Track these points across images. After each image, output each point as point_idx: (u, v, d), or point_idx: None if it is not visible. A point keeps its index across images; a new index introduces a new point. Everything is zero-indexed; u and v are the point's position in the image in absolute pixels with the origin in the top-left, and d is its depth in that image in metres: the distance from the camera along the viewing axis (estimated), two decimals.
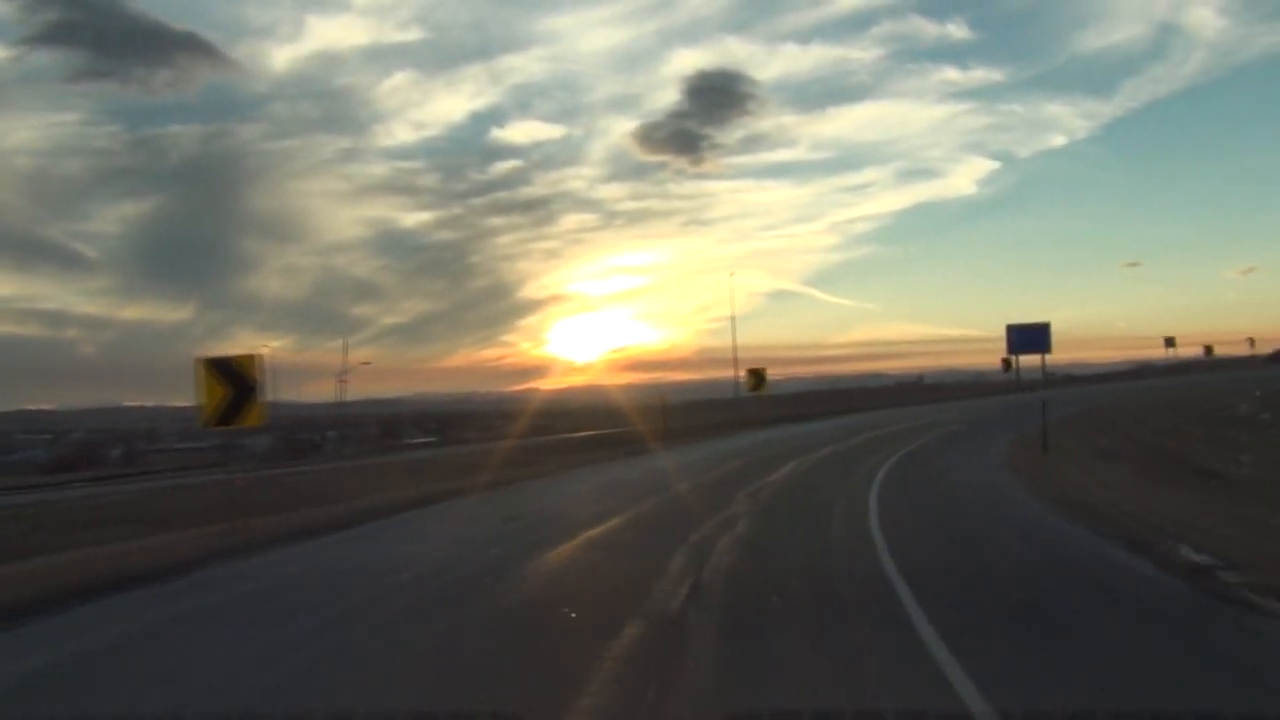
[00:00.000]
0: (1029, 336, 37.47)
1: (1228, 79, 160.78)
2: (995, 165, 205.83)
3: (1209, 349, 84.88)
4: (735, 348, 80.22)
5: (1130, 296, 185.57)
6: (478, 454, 33.70)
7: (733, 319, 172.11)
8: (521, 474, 24.89)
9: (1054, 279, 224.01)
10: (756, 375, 52.03)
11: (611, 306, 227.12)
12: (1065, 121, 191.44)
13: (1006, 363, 39.98)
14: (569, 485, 22.05)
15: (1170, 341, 74.67)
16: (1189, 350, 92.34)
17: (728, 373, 60.39)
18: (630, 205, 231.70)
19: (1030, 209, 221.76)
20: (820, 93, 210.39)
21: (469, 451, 38.57)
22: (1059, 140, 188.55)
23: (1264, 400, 37.67)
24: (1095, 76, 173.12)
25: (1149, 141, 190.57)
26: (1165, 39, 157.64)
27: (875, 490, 16.56)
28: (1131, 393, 64.25)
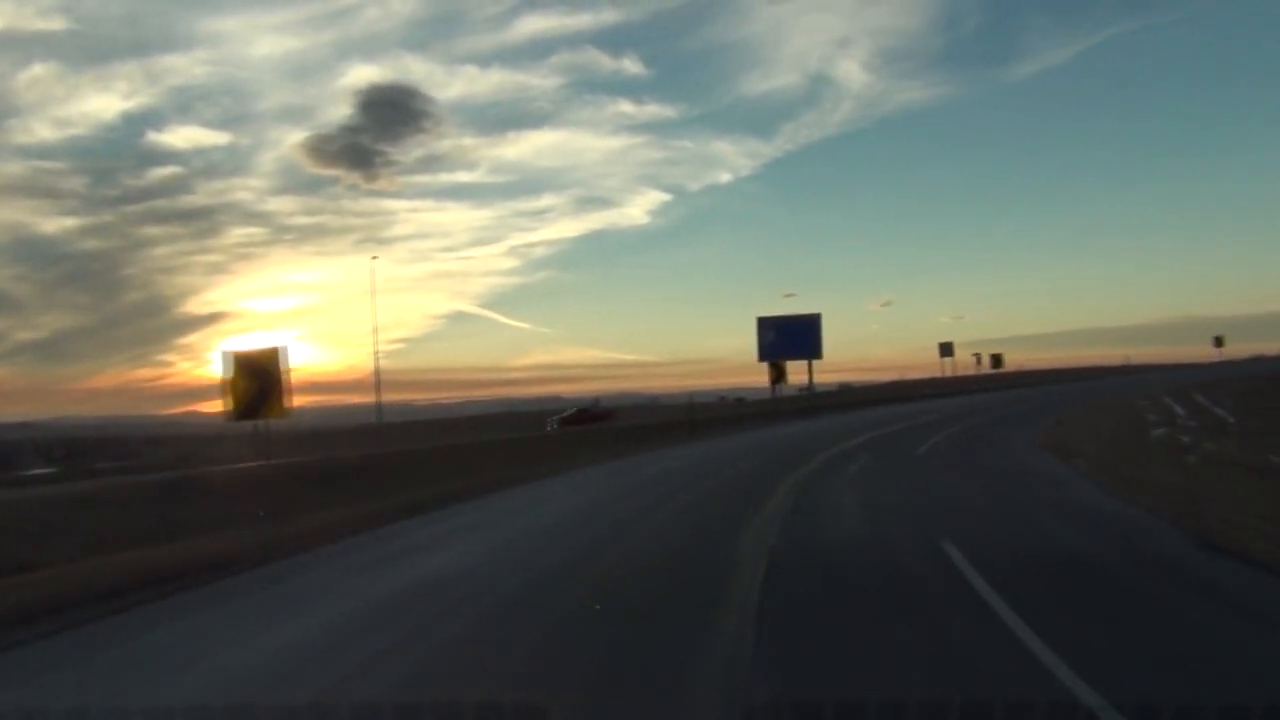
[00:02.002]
0: (793, 334, 48.58)
1: (871, 129, 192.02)
2: (667, 197, 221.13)
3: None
4: (378, 370, 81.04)
5: None
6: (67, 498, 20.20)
7: (375, 331, 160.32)
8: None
9: (719, 308, 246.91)
10: None
11: (281, 325, 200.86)
12: (731, 159, 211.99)
13: (776, 370, 49.44)
14: None
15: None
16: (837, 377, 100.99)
17: (407, 396, 62.12)
18: (302, 220, 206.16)
19: (699, 240, 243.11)
20: (500, 117, 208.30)
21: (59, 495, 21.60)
22: (725, 176, 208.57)
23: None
24: (758, 119, 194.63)
25: (804, 182, 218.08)
26: (818, 88, 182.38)
27: None
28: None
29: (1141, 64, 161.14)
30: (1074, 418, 30.92)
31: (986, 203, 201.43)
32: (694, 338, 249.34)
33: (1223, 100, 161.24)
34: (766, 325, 48.31)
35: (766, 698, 5.05)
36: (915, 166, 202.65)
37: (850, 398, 66.85)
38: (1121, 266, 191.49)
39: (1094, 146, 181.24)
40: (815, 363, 48.22)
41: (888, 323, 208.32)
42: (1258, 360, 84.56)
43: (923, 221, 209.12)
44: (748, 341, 47.99)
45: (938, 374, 80.00)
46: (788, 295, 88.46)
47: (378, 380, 54.28)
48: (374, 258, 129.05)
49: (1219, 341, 75.95)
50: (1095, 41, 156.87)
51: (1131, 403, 39.15)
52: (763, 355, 48.35)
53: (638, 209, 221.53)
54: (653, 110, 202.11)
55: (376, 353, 66.21)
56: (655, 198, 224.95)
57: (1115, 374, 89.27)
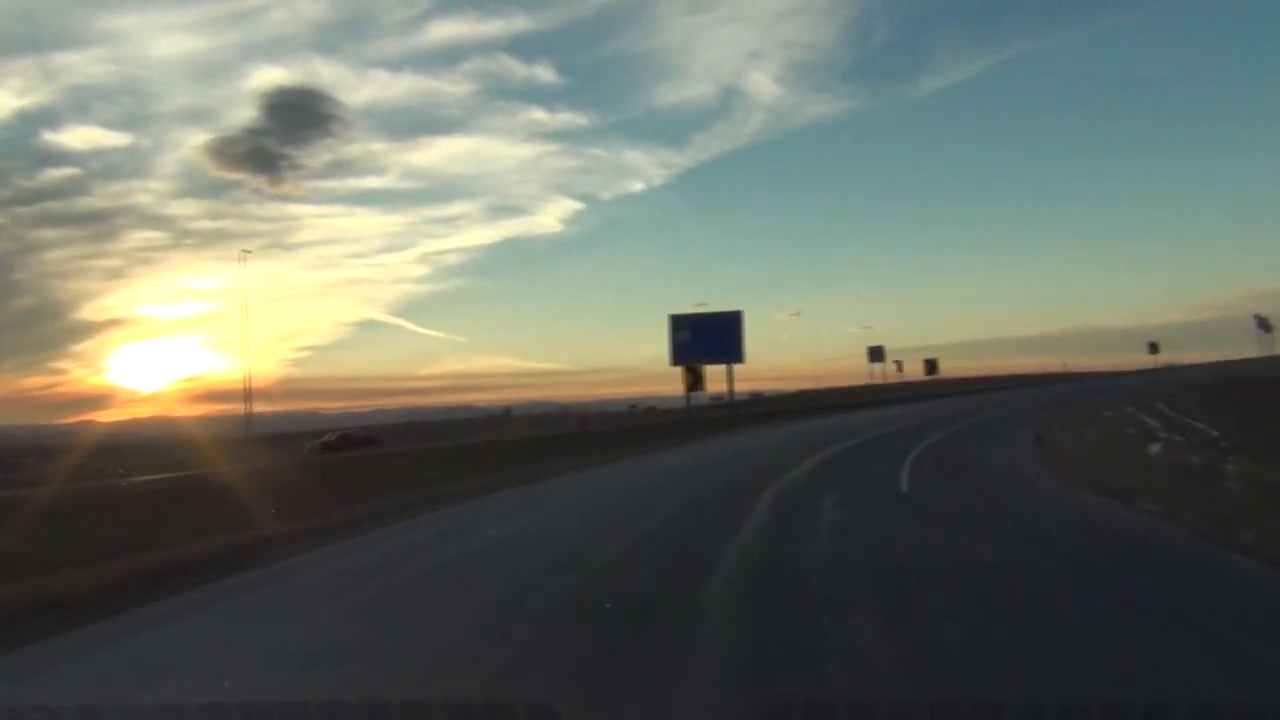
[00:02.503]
0: (710, 333, 42.95)
1: (782, 140, 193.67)
2: (580, 206, 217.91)
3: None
4: (249, 380, 73.66)
5: None
6: None
7: (244, 336, 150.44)
8: None
9: (632, 316, 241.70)
10: None
11: (183, 332, 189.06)
12: (643, 168, 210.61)
13: (692, 375, 43.14)
14: None
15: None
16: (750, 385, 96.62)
17: (315, 405, 57.23)
18: (206, 224, 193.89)
19: (612, 248, 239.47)
20: (411, 122, 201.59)
21: None
22: (638, 185, 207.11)
23: None
24: (670, 129, 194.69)
25: (715, 192, 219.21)
26: (730, 100, 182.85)
27: None
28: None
29: (1044, 81, 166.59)
30: (1053, 434, 26.45)
31: (894, 215, 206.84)
32: (607, 346, 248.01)
33: (1124, 114, 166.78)
34: (681, 324, 42.57)
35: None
36: (825, 178, 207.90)
37: (767, 406, 61.89)
38: (1023, 278, 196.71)
39: (998, 160, 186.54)
40: (734, 369, 42.70)
41: (797, 332, 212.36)
42: (1170, 370, 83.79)
43: (832, 233, 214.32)
44: (662, 348, 42.15)
45: (859, 382, 76.31)
46: (699, 304, 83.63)
47: (248, 390, 47.86)
48: (245, 251, 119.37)
49: (1154, 348, 73.61)
50: (1000, 59, 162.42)
51: (1097, 413, 35.42)
52: (676, 358, 42.58)
53: (550, 217, 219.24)
54: (566, 118, 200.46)
55: (247, 361, 58.56)
56: (568, 206, 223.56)
57: (1039, 382, 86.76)
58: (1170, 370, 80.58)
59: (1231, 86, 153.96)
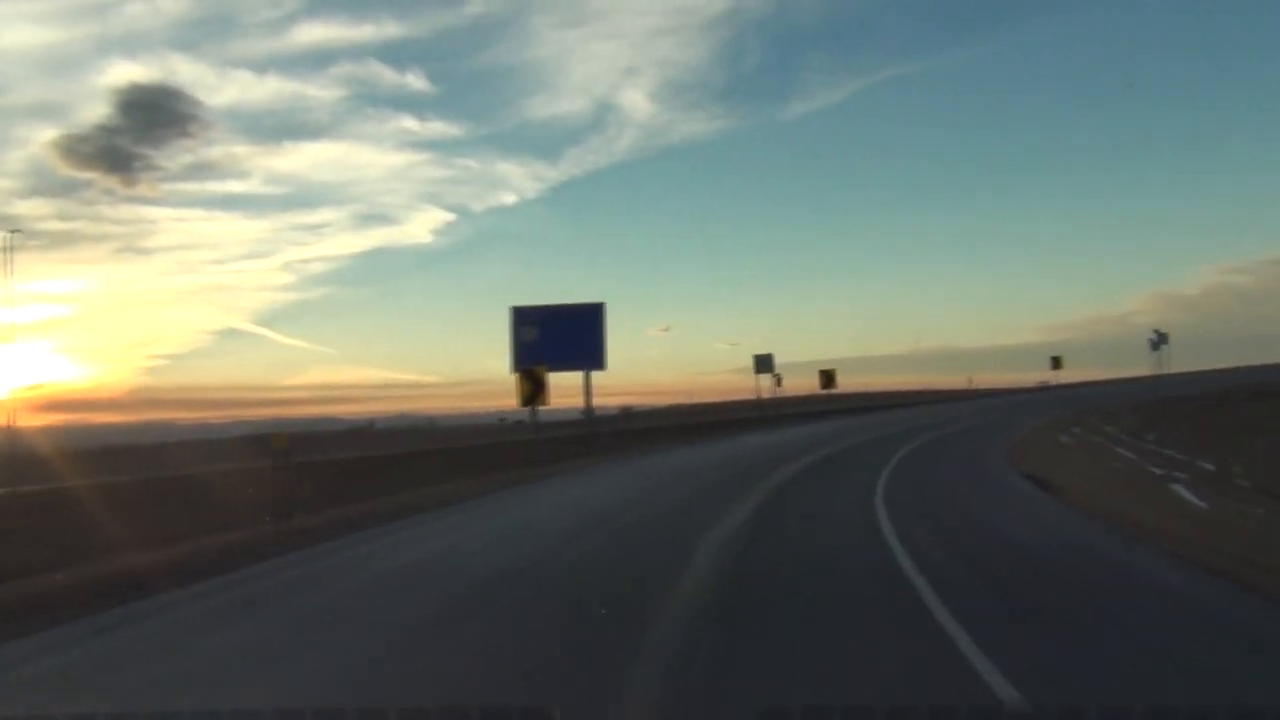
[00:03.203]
0: (563, 331, 33.57)
1: (656, 157, 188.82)
2: (451, 217, 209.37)
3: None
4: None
5: None
6: None
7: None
8: None
9: (503, 329, 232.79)
10: None
11: (26, 337, 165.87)
12: (516, 181, 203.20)
13: (531, 383, 31.67)
14: None
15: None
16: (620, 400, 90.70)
17: (171, 415, 45.57)
18: (54, 225, 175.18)
19: (483, 260, 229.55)
20: (276, 126, 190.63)
21: None
22: (510, 198, 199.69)
23: None
24: (543, 142, 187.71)
25: (588, 206, 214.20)
26: (604, 115, 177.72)
27: None
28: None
29: (915, 105, 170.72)
30: (1045, 470, 19.54)
31: (766, 234, 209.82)
32: (477, 358, 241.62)
33: (990, 141, 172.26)
34: (526, 318, 33.41)
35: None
36: (697, 196, 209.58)
37: (638, 422, 53.08)
38: (890, 297, 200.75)
39: (868, 181, 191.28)
40: (597, 379, 33.69)
41: (667, 348, 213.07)
42: (1045, 388, 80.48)
43: (704, 250, 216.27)
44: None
45: (732, 397, 69.06)
46: None
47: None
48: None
49: (1057, 363, 68.01)
50: (870, 83, 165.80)
51: (1052, 436, 29.49)
52: (519, 361, 33.28)
53: (420, 227, 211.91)
54: (437, 128, 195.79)
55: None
56: (438, 216, 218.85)
57: (935, 399, 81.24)
58: (1067, 388, 76.62)
59: (1110, 102, 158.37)
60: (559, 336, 32.99)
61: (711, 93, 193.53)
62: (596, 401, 35.06)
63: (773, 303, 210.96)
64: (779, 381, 53.90)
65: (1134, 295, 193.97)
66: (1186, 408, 42.05)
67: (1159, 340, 58.22)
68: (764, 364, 50.43)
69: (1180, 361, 70.37)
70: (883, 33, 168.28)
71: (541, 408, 29.13)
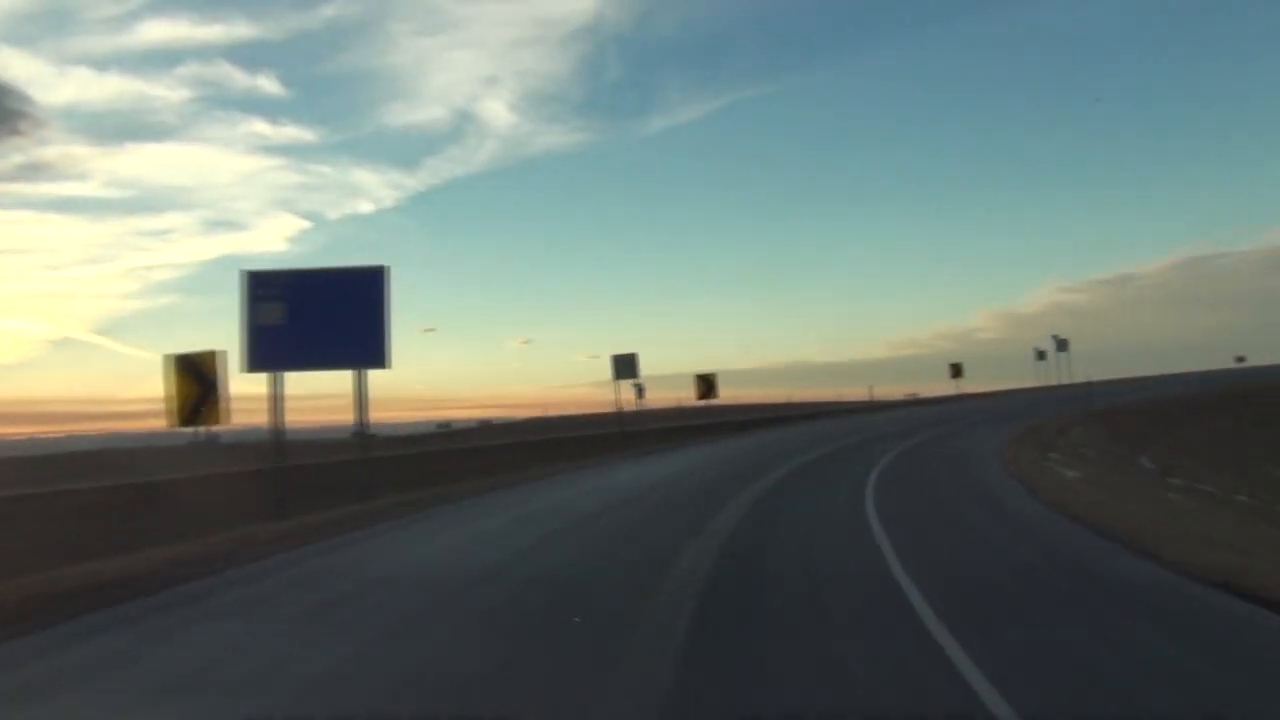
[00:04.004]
0: (321, 312, 21.02)
1: (516, 168, 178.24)
2: (306, 224, 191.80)
3: None
4: None
5: (431, 360, 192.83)
6: None
7: None
8: None
9: None
10: None
11: None
12: (373, 189, 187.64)
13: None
14: None
15: None
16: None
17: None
18: None
19: None
20: (118, 126, 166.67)
21: None
22: (367, 206, 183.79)
23: None
24: (402, 150, 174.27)
25: (447, 217, 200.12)
26: (464, 125, 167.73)
27: None
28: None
29: (772, 123, 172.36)
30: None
31: (626, 248, 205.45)
32: (330, 376, 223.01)
33: (844, 162, 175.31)
34: (264, 290, 20.78)
35: None
36: (559, 209, 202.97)
37: (459, 441, 41.21)
38: (748, 314, 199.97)
39: (723, 200, 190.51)
40: (449, 389, 21.49)
41: (527, 360, 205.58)
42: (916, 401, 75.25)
43: (565, 263, 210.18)
44: (392, 375, 20.98)
45: (591, 410, 58.84)
46: (428, 330, 63.90)
47: None
48: None
49: (956, 371, 60.08)
50: (729, 101, 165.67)
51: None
52: (256, 360, 20.52)
53: (273, 234, 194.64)
54: (290, 133, 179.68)
55: None
56: (292, 224, 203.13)
57: (823, 413, 73.42)
58: (933, 403, 70.90)
59: (960, 129, 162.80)
60: (318, 319, 20.55)
61: (572, 105, 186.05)
62: (444, 414, 22.92)
63: (635, 317, 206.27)
64: (640, 393, 42.80)
65: (977, 312, 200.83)
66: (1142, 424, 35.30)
67: (1059, 347, 51.84)
68: (625, 368, 39.00)
69: (1024, 377, 65.69)
70: (740, 54, 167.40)
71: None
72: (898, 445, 28.16)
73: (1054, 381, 57.88)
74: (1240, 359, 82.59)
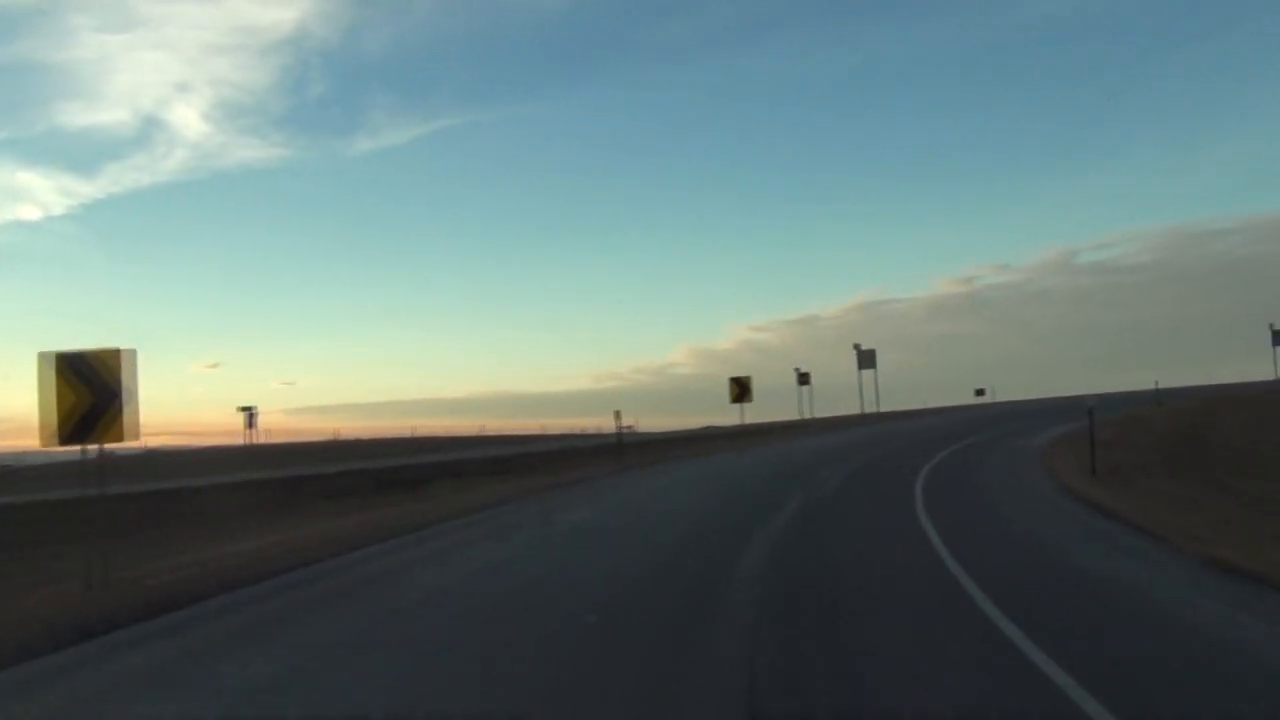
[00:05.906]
0: None
1: (208, 180, 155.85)
2: None
3: None
4: None
5: None
6: None
7: None
8: None
9: (17, 359, 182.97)
10: None
11: None
12: (41, 194, 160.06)
13: None
14: None
15: None
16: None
17: None
18: None
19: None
20: None
21: None
22: (34, 213, 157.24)
23: None
24: (77, 154, 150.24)
25: (129, 229, 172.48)
26: (150, 131, 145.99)
27: None
28: None
29: (484, 152, 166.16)
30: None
31: (327, 270, 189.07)
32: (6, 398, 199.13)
33: (549, 197, 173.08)
34: None
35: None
36: (254, 225, 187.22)
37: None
38: (452, 342, 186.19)
39: (429, 227, 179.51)
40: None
41: (216, 385, 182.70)
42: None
43: (258, 283, 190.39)
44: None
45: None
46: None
47: None
48: None
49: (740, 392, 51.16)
50: (439, 127, 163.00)
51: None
52: None
53: None
54: None
55: None
56: None
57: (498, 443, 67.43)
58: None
59: (657, 171, 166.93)
60: None
61: (271, 119, 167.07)
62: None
63: (335, 343, 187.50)
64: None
65: (674, 348, 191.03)
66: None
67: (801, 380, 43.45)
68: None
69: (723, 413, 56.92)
70: (452, 80, 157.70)
71: None
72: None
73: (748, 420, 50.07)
74: (980, 391, 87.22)
